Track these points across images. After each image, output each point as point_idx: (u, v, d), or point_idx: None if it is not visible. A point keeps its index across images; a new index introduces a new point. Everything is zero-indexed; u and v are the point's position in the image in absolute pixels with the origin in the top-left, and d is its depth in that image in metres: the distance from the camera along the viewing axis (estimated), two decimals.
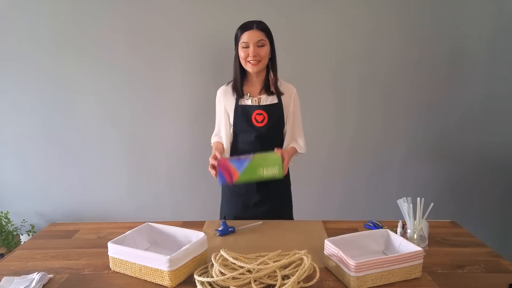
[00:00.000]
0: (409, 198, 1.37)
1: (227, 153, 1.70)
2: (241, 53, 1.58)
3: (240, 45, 1.58)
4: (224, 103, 1.69)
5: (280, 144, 1.72)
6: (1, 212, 2.37)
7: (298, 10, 2.20)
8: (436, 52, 2.26)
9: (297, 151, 1.72)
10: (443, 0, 2.19)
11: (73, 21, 2.20)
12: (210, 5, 2.19)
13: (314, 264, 1.18)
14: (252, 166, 1.45)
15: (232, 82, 1.69)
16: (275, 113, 1.66)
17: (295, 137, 1.74)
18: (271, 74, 1.66)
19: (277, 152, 1.47)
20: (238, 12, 2.17)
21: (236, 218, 1.70)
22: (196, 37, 2.23)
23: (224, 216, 1.70)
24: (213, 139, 1.77)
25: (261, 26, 1.58)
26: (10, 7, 2.18)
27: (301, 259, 1.17)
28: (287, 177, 1.78)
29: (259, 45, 1.56)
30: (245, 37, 1.55)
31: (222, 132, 1.73)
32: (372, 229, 1.43)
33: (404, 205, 1.37)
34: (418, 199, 1.37)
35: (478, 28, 2.22)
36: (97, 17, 2.20)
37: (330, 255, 1.19)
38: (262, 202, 1.71)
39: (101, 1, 2.18)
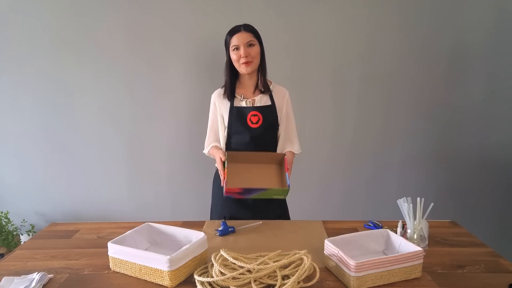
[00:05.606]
0: (409, 198, 1.37)
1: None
2: (233, 56, 1.63)
3: (231, 48, 1.63)
4: (219, 106, 1.71)
5: (273, 146, 1.74)
6: (1, 212, 2.37)
7: (297, 10, 2.20)
8: (435, 52, 2.26)
9: (294, 154, 1.75)
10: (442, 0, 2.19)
11: (72, 22, 2.20)
12: (209, 6, 2.19)
13: (314, 264, 1.18)
14: (261, 194, 1.50)
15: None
16: (270, 114, 1.69)
17: (290, 138, 1.76)
18: (260, 73, 1.70)
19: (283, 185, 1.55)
20: (237, 13, 2.17)
21: (230, 219, 1.69)
22: (195, 38, 2.23)
23: (224, 216, 1.71)
24: (209, 146, 1.74)
25: (249, 28, 1.63)
26: (10, 8, 2.18)
27: (301, 259, 1.17)
28: None
29: (249, 45, 1.61)
30: (234, 40, 1.61)
31: (220, 134, 1.74)
32: (372, 229, 1.43)
33: (404, 205, 1.37)
34: (418, 199, 1.37)
35: (478, 28, 2.22)
36: (96, 18, 2.20)
37: (330, 255, 1.19)
38: (256, 205, 1.71)
39: (101, 2, 2.18)
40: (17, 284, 1.13)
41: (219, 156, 1.59)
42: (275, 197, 1.54)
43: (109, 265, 1.23)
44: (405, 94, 2.32)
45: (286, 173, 1.54)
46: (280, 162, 1.63)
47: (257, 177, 1.57)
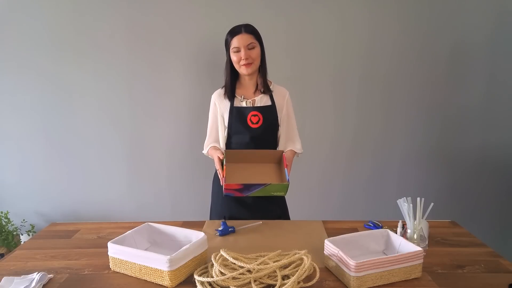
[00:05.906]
0: (409, 198, 1.37)
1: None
2: (234, 58, 1.63)
3: (232, 50, 1.63)
4: (219, 106, 1.72)
5: (274, 146, 1.74)
6: (1, 212, 2.37)
7: (297, 10, 2.20)
8: (435, 52, 2.25)
9: (296, 153, 1.75)
10: (442, 0, 2.19)
11: (72, 22, 2.20)
12: (209, 6, 2.19)
13: (314, 264, 1.18)
14: (261, 191, 1.50)
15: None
16: (270, 114, 1.69)
17: (292, 138, 1.76)
18: (260, 74, 1.69)
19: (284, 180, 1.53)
20: (238, 13, 2.17)
21: (230, 219, 1.69)
22: (195, 38, 2.23)
23: (224, 216, 1.71)
24: (208, 146, 1.75)
25: (250, 29, 1.62)
26: (10, 8, 2.18)
27: (301, 259, 1.17)
28: None
29: (249, 47, 1.60)
30: (235, 42, 1.60)
31: (219, 134, 1.74)
32: (372, 229, 1.43)
33: (404, 205, 1.37)
34: (418, 199, 1.37)
35: (478, 28, 2.22)
36: (96, 18, 2.20)
37: (330, 255, 1.19)
38: (256, 205, 1.71)
39: (101, 2, 2.18)
40: (17, 284, 1.13)
41: (217, 156, 1.59)
42: (275, 194, 1.53)
43: (109, 265, 1.23)
44: (405, 94, 2.32)
45: (285, 169, 1.53)
46: (279, 161, 1.63)
47: (256, 175, 1.57)
